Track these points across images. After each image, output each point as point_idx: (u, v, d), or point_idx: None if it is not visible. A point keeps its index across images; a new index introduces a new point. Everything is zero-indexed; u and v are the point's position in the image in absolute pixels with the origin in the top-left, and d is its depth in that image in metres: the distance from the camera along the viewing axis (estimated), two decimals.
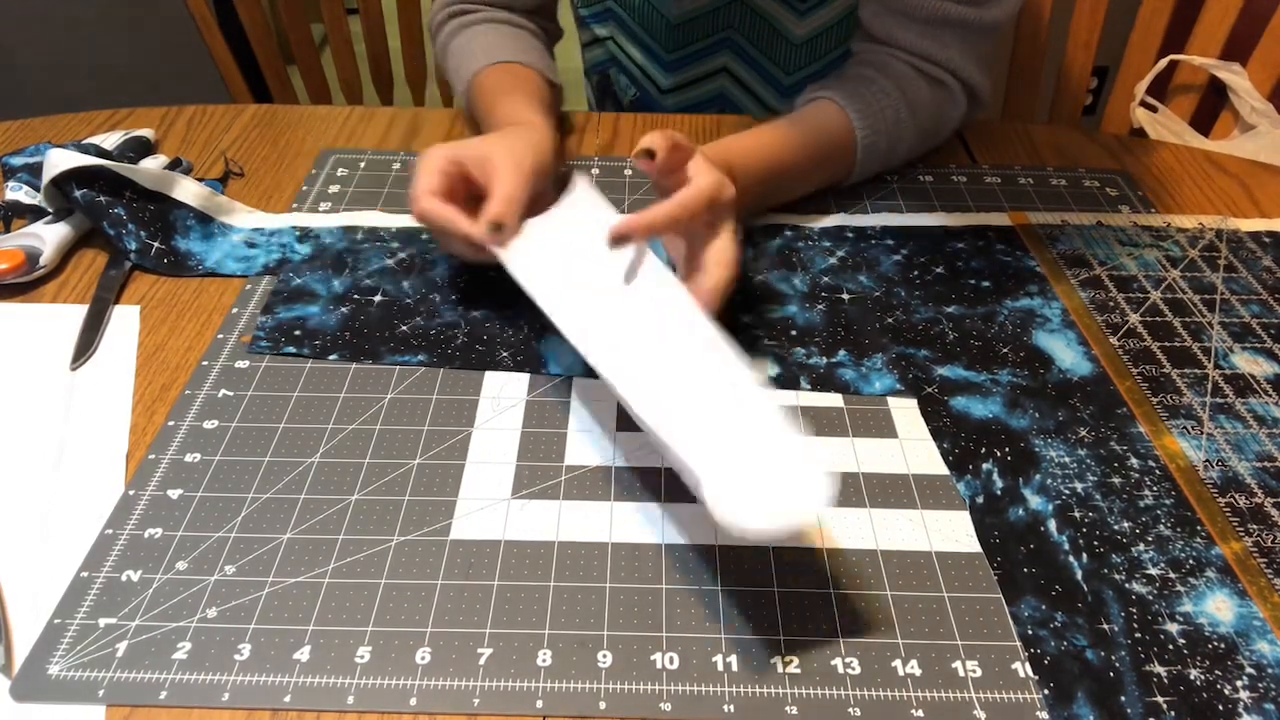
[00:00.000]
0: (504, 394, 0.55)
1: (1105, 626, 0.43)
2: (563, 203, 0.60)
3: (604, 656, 0.42)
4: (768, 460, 0.42)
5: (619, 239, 0.50)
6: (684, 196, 0.52)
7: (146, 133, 0.77)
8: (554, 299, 0.53)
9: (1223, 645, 0.42)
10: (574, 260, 0.55)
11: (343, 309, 0.60)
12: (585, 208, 0.59)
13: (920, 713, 0.40)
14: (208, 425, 0.52)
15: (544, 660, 0.41)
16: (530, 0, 0.79)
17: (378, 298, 0.61)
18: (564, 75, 0.78)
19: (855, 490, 0.49)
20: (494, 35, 0.76)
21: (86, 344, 0.57)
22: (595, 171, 0.75)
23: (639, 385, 0.46)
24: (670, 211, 0.51)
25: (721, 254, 0.52)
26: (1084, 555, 0.46)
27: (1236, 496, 0.49)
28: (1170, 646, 0.42)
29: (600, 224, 0.53)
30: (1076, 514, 0.48)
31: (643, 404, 0.45)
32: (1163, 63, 0.98)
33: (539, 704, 0.40)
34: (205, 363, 0.56)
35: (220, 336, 0.58)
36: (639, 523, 0.48)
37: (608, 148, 0.79)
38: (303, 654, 0.42)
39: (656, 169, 0.54)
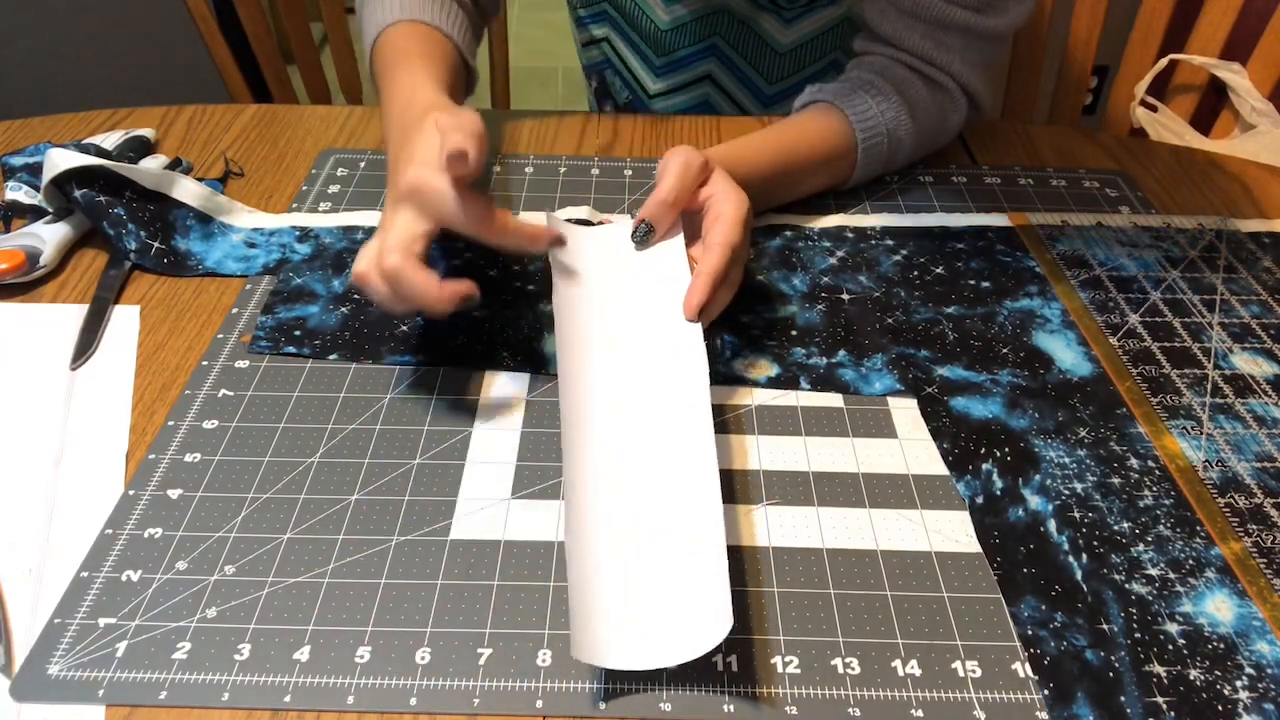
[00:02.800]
0: (504, 394, 0.55)
1: (1105, 627, 0.43)
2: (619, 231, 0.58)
3: None
4: (663, 598, 0.41)
5: (695, 318, 0.51)
6: (726, 237, 0.52)
7: (146, 132, 0.77)
8: (570, 337, 0.51)
9: (1222, 645, 0.42)
10: (612, 291, 0.55)
11: (343, 309, 0.60)
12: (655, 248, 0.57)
13: (920, 713, 0.40)
14: (207, 425, 0.52)
15: (544, 660, 0.41)
16: None
17: None
18: (568, 75, 0.78)
19: (855, 490, 0.49)
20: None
21: (86, 344, 0.57)
22: (595, 172, 0.75)
23: (585, 485, 0.45)
24: (719, 261, 0.52)
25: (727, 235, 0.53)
26: (1084, 555, 0.46)
27: (1236, 497, 0.49)
28: (1170, 647, 0.42)
29: (664, 262, 0.54)
30: (1076, 514, 0.48)
31: (576, 515, 0.44)
32: (1163, 62, 0.98)
33: (539, 704, 0.40)
34: (205, 363, 0.56)
35: (220, 336, 0.58)
36: None
37: (607, 148, 0.79)
38: (303, 654, 0.42)
39: (678, 200, 0.54)
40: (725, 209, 0.54)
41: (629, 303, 0.54)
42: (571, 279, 0.54)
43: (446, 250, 0.65)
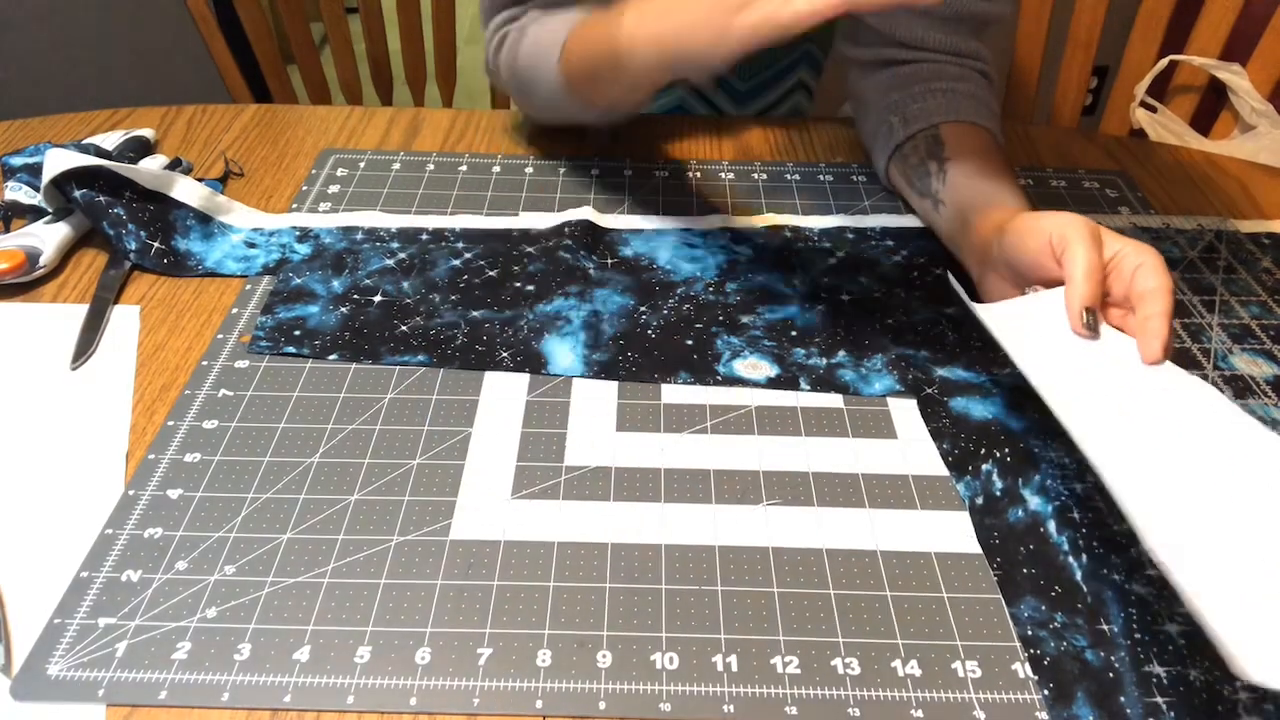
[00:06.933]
0: (504, 394, 0.55)
1: (1105, 627, 0.43)
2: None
3: (604, 656, 0.42)
4: None
5: (1162, 358, 0.47)
6: (1164, 281, 0.49)
7: (146, 133, 0.77)
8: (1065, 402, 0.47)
9: None
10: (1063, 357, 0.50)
11: (342, 309, 0.60)
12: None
13: (920, 713, 0.40)
14: (208, 425, 0.52)
15: (544, 660, 0.42)
16: None
17: (377, 298, 0.61)
18: None
19: (855, 491, 0.49)
20: (559, 18, 0.67)
21: (86, 344, 0.57)
22: (595, 172, 0.75)
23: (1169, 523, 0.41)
24: (1168, 302, 0.48)
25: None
26: (1083, 556, 0.46)
27: None
28: (1170, 647, 0.42)
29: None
30: (1076, 515, 0.48)
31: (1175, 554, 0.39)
32: (1163, 63, 0.98)
33: (538, 704, 0.40)
34: (205, 363, 0.56)
35: (220, 336, 0.58)
36: (639, 523, 0.48)
37: (608, 148, 0.79)
38: (302, 654, 0.42)
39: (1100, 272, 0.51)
40: (1145, 258, 0.50)
41: (1095, 366, 0.49)
42: (1032, 352, 0.50)
43: (447, 251, 0.65)
